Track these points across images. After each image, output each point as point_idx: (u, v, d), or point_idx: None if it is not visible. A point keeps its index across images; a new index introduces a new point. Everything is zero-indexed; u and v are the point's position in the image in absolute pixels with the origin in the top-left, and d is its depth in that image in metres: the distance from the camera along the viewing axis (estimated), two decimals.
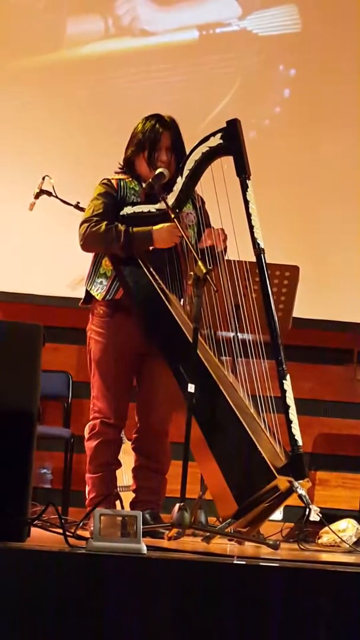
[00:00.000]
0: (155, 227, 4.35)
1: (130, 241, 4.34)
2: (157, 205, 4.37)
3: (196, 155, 4.30)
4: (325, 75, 6.41)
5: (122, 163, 4.54)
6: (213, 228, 4.45)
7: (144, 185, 4.44)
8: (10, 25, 6.34)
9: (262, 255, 4.20)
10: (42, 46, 6.38)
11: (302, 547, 4.31)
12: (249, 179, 4.23)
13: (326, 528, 4.43)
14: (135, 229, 4.35)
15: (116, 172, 4.54)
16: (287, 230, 6.17)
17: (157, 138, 4.44)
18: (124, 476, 4.91)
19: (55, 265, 6.07)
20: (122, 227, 4.36)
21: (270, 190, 5.82)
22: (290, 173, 6.33)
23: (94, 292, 4.45)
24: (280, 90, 6.42)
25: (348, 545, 4.41)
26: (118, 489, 4.78)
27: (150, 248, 4.37)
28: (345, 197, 6.36)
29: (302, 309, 5.37)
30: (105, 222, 4.38)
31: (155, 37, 6.41)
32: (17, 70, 6.36)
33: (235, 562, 3.08)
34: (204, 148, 4.30)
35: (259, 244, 4.21)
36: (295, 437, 4.06)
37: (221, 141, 4.28)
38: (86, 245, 4.43)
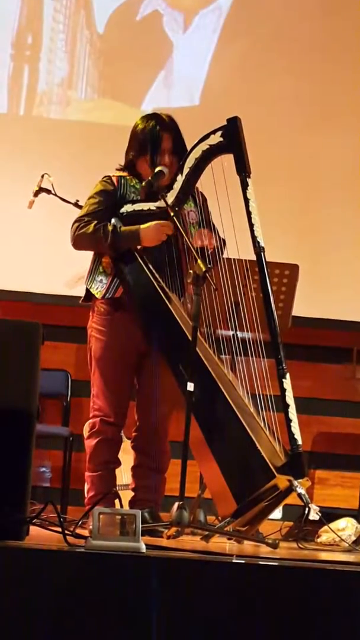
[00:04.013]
0: (142, 226, 4.35)
1: (118, 240, 4.35)
2: (157, 203, 4.37)
3: (196, 153, 4.30)
4: (328, 74, 6.39)
5: (122, 165, 4.53)
6: (213, 226, 4.45)
7: (143, 183, 4.43)
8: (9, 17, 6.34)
9: (262, 254, 4.20)
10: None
11: (301, 546, 4.31)
12: (249, 177, 4.23)
13: (325, 527, 4.43)
14: (122, 228, 4.37)
15: (117, 169, 4.53)
16: (287, 229, 6.16)
17: (158, 141, 4.43)
18: (123, 475, 4.91)
19: (54, 263, 6.06)
20: (110, 227, 4.37)
21: (270, 188, 5.81)
22: (291, 171, 6.32)
23: (93, 290, 4.45)
24: (280, 84, 6.39)
25: (347, 544, 4.40)
26: (117, 487, 4.78)
27: (142, 246, 4.37)
28: (345, 196, 6.35)
29: (301, 307, 5.36)
30: (94, 222, 4.39)
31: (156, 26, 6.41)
32: None
33: (234, 561, 3.08)
34: (204, 146, 4.29)
35: (259, 243, 4.21)
36: (295, 436, 4.06)
37: (221, 139, 4.27)
38: (76, 245, 4.46)
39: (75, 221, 4.46)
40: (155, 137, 4.43)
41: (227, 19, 6.38)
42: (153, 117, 4.50)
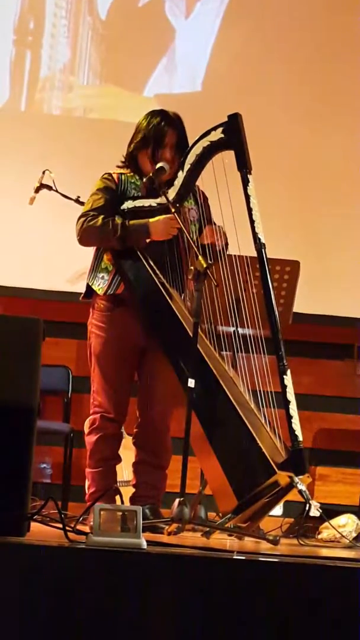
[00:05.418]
0: (151, 220, 4.35)
1: (127, 234, 4.34)
2: (158, 200, 4.36)
3: (197, 150, 4.30)
4: (331, 66, 6.37)
5: (124, 157, 4.53)
6: (215, 224, 4.44)
7: (144, 179, 4.43)
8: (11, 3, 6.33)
9: (263, 250, 4.20)
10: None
11: (301, 542, 4.31)
12: (250, 174, 4.23)
13: (326, 523, 4.43)
14: (131, 222, 4.36)
15: (118, 167, 4.53)
16: (288, 225, 6.16)
17: (162, 135, 4.43)
18: (124, 471, 4.91)
19: (55, 259, 6.07)
20: (118, 220, 4.36)
21: (271, 185, 5.81)
22: (292, 168, 6.31)
23: (95, 287, 4.45)
24: (282, 71, 6.37)
25: (348, 541, 4.40)
26: (118, 483, 4.78)
27: (148, 241, 4.37)
28: (347, 193, 6.34)
29: (302, 304, 5.36)
30: (102, 216, 4.38)
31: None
32: None
33: (235, 557, 3.08)
34: (205, 142, 4.29)
35: (259, 239, 4.21)
36: (296, 433, 4.06)
37: (222, 135, 4.27)
38: (83, 239, 4.44)
39: (81, 216, 4.44)
40: (160, 131, 4.43)
41: (229, 5, 6.37)
42: (159, 113, 4.50)
